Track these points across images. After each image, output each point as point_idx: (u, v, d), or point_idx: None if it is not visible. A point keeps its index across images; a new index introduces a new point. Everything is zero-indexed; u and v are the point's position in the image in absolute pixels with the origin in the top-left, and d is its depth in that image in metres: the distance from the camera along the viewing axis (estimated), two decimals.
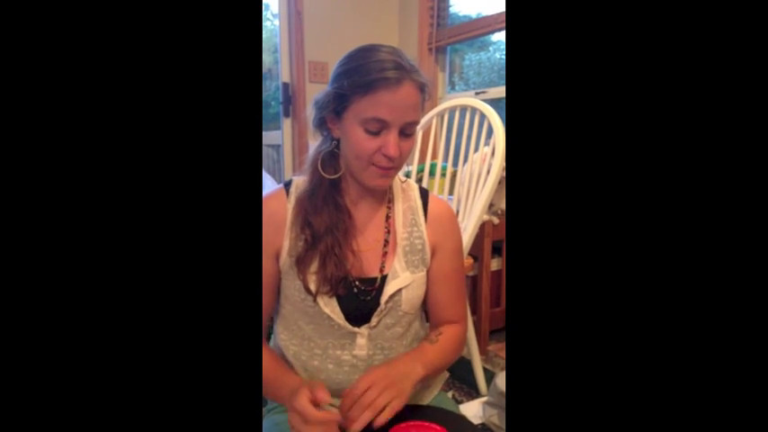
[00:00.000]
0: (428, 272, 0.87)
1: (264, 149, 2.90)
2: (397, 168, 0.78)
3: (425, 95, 0.77)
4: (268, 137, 2.81)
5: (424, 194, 0.89)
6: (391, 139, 0.73)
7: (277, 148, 2.78)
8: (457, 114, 1.62)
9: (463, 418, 0.73)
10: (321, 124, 0.81)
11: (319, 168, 0.81)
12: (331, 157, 0.82)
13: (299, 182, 0.85)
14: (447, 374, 0.97)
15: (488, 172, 1.50)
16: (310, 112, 0.81)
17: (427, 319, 0.94)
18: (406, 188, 0.89)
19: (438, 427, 0.67)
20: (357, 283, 0.81)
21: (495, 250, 1.99)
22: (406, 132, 0.75)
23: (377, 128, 0.73)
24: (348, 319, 0.82)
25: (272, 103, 3.02)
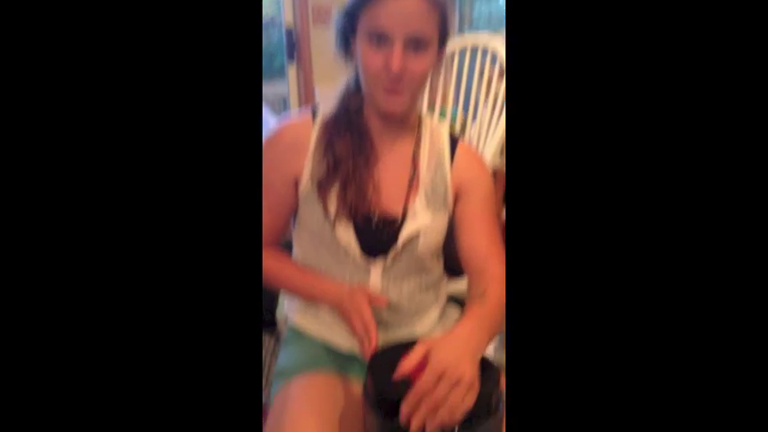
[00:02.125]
0: (454, 216, 0.85)
1: (272, 99, 2.84)
2: (409, 90, 0.75)
3: (444, 12, 0.73)
4: (274, 87, 2.75)
5: (454, 139, 0.87)
6: (394, 53, 0.70)
7: (283, 100, 2.73)
8: (467, 56, 1.56)
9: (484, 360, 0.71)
10: (345, 47, 0.79)
11: (345, 94, 0.80)
12: (356, 84, 0.81)
13: (327, 108, 0.84)
14: (458, 313, 0.96)
15: (501, 112, 1.46)
16: (333, 35, 0.79)
17: (457, 271, 0.92)
18: (435, 130, 0.87)
19: None
20: (377, 217, 0.80)
21: (506, 200, 1.96)
22: (416, 49, 0.71)
23: (379, 41, 0.70)
24: (363, 251, 0.81)
25: (277, 54, 2.94)
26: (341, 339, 0.86)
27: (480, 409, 0.59)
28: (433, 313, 0.91)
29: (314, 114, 0.84)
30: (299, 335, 0.88)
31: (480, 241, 0.85)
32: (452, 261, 0.91)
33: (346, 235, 0.79)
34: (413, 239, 0.82)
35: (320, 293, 0.81)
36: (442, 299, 0.95)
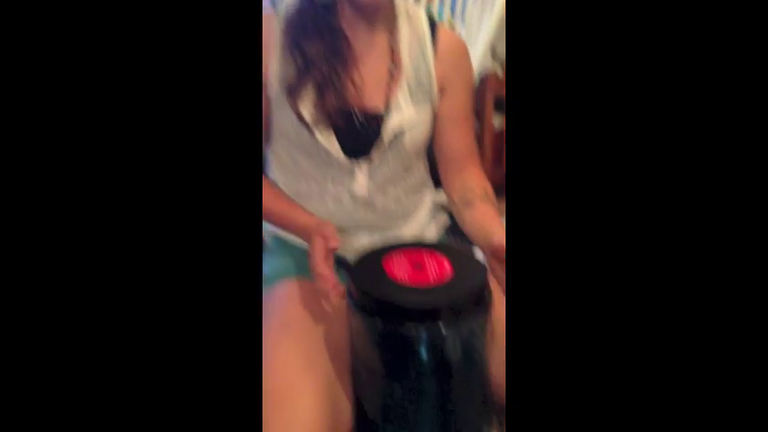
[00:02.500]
0: (438, 112, 0.80)
1: None
2: None
3: None
4: None
5: (433, 23, 0.81)
6: None
7: None
8: None
9: (465, 252, 0.70)
10: None
11: None
12: None
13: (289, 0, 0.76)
14: (446, 218, 0.94)
15: (490, 11, 1.37)
16: None
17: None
18: (413, 15, 0.80)
19: (442, 257, 0.64)
20: (359, 115, 0.75)
21: (498, 107, 1.89)
22: None
23: None
24: (346, 152, 0.77)
25: None
26: None
27: (468, 301, 0.58)
28: (422, 216, 0.89)
29: (273, 4, 0.77)
30: (281, 242, 0.86)
31: (462, 139, 0.82)
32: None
33: (327, 139, 0.75)
34: (398, 135, 0.77)
35: (290, 226, 0.78)
36: (429, 203, 0.92)
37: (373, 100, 0.76)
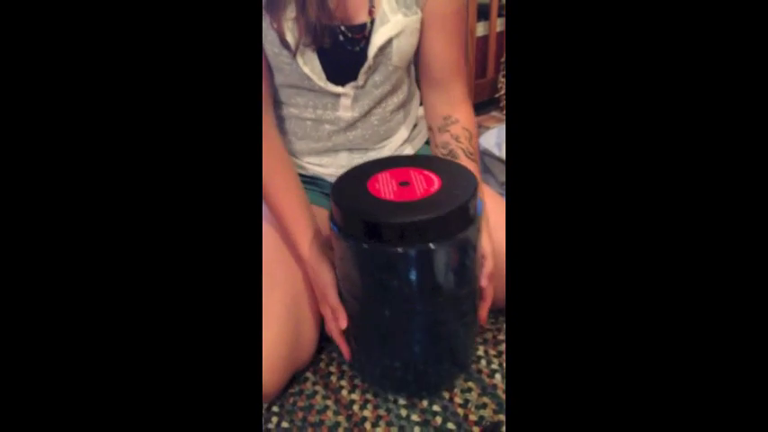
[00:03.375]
0: (423, 15, 0.74)
1: None
2: None
3: None
4: None
5: None
6: None
7: None
8: None
9: (455, 165, 0.67)
10: None
11: None
12: None
13: None
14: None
15: None
16: None
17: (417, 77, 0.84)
18: None
19: (430, 172, 0.61)
20: (343, 29, 0.70)
21: (482, 14, 1.82)
22: None
23: None
24: (330, 77, 0.73)
25: None
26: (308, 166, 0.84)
27: (459, 219, 0.56)
28: (402, 133, 0.87)
29: None
30: None
31: (446, 44, 0.75)
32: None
33: (309, 64, 0.71)
34: (385, 49, 0.73)
35: (286, 239, 0.73)
36: (412, 118, 0.89)
37: (357, 8, 0.71)
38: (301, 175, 0.83)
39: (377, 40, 0.71)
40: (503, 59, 1.87)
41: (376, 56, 0.72)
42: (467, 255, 0.59)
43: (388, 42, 0.72)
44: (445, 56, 0.76)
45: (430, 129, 0.81)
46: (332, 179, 0.85)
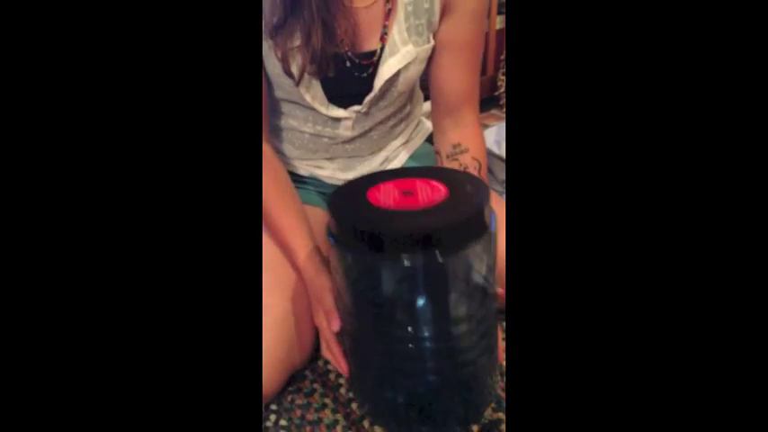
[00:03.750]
0: (437, 37, 0.70)
1: None
2: None
3: None
4: None
5: None
6: None
7: None
8: None
9: (463, 174, 0.63)
10: None
11: None
12: None
13: None
14: (428, 125, 0.91)
15: None
16: None
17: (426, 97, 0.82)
18: None
19: (437, 182, 0.55)
20: (350, 55, 0.68)
21: (502, 9, 1.81)
22: None
23: None
24: (333, 100, 0.71)
25: None
26: (306, 169, 0.83)
27: (469, 228, 0.50)
28: (399, 141, 0.86)
29: None
30: None
31: (464, 78, 0.72)
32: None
33: (311, 92, 0.69)
34: (392, 80, 0.70)
35: (286, 251, 0.69)
36: (412, 125, 0.89)
37: (368, 34, 0.68)
38: (295, 174, 0.83)
39: (385, 73, 0.69)
40: (502, 57, 1.86)
41: (382, 87, 0.70)
42: (480, 262, 0.52)
43: (396, 73, 0.70)
44: (459, 84, 0.73)
45: (438, 153, 0.78)
46: (328, 180, 0.84)
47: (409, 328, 0.52)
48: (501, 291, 0.57)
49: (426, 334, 0.53)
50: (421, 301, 0.51)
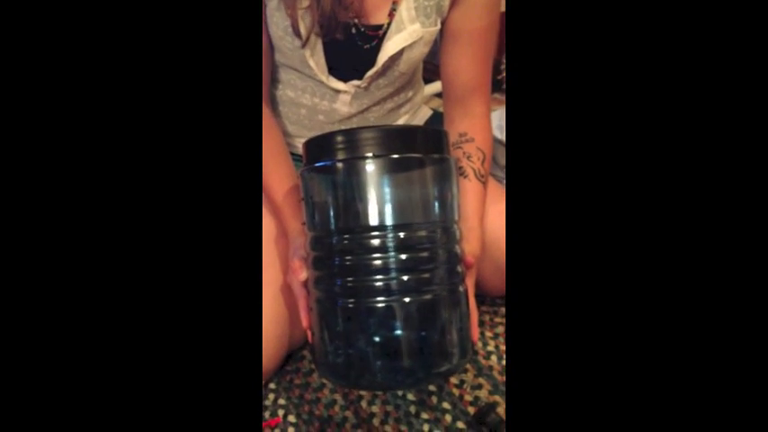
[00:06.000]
0: (446, 26, 0.70)
1: None
2: None
3: None
4: None
5: None
6: None
7: None
8: None
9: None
10: None
11: None
12: None
13: None
14: (428, 112, 0.91)
15: None
16: None
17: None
18: None
19: None
20: (357, 23, 0.67)
21: None
22: None
23: None
24: (335, 74, 0.71)
25: None
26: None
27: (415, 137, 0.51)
28: (399, 122, 0.86)
29: None
30: None
31: (475, 67, 0.71)
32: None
33: (315, 56, 0.68)
34: (395, 58, 0.70)
35: (275, 211, 0.70)
36: (411, 112, 0.88)
37: (377, 7, 0.67)
38: (292, 153, 0.82)
39: (389, 48, 0.69)
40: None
41: (385, 63, 0.70)
42: (436, 186, 0.52)
43: (400, 51, 0.69)
44: (469, 73, 0.71)
45: None
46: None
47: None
48: (470, 260, 0.57)
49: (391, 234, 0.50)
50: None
